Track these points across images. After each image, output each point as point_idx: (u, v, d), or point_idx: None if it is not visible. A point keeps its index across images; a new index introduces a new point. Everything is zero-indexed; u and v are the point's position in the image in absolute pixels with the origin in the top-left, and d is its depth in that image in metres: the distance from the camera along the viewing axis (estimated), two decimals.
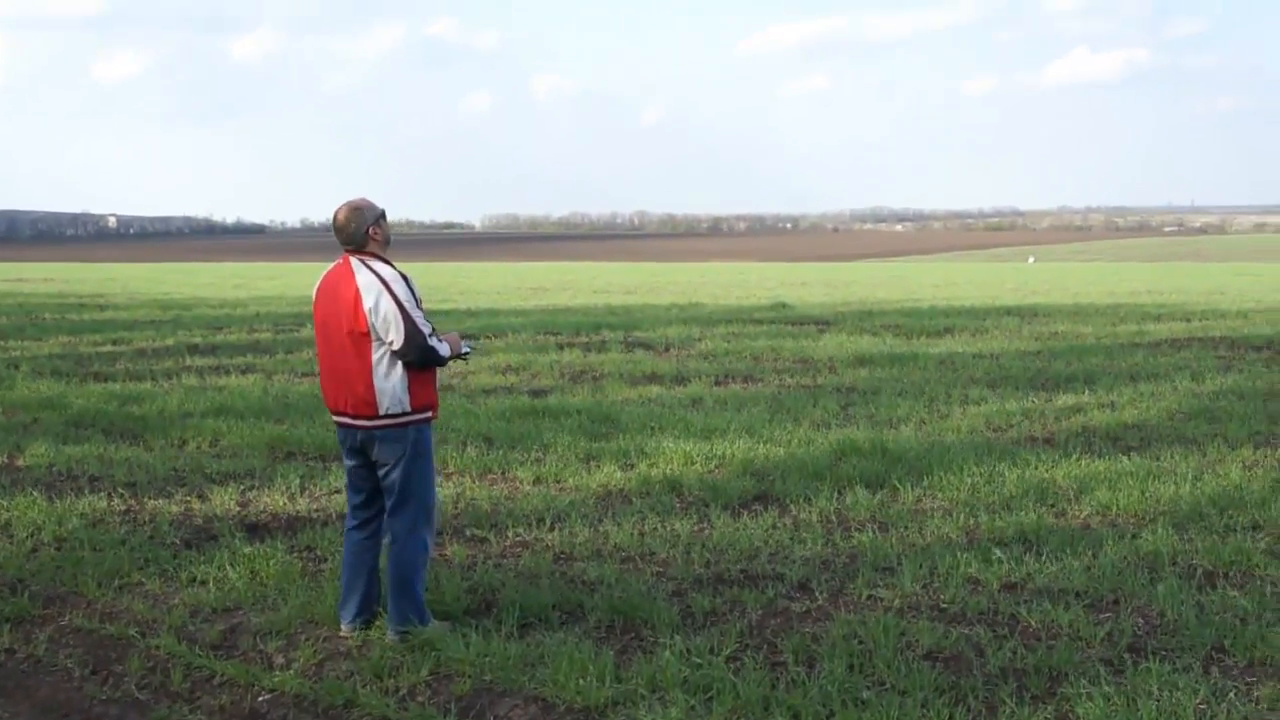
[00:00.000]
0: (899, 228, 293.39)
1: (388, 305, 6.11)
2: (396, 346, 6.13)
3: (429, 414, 6.39)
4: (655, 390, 15.31)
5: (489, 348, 20.71)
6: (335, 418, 6.45)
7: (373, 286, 6.15)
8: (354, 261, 6.27)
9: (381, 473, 6.40)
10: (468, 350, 6.61)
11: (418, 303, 6.23)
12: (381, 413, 6.23)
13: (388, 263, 6.32)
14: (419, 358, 6.19)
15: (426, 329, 6.19)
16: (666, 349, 20.74)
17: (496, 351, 20.07)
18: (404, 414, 6.26)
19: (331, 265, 6.43)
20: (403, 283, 6.21)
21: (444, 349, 6.29)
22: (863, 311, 29.90)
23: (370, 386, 6.20)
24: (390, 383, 6.21)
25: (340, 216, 6.30)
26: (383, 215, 6.38)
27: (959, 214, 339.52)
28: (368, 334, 6.15)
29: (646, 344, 21.58)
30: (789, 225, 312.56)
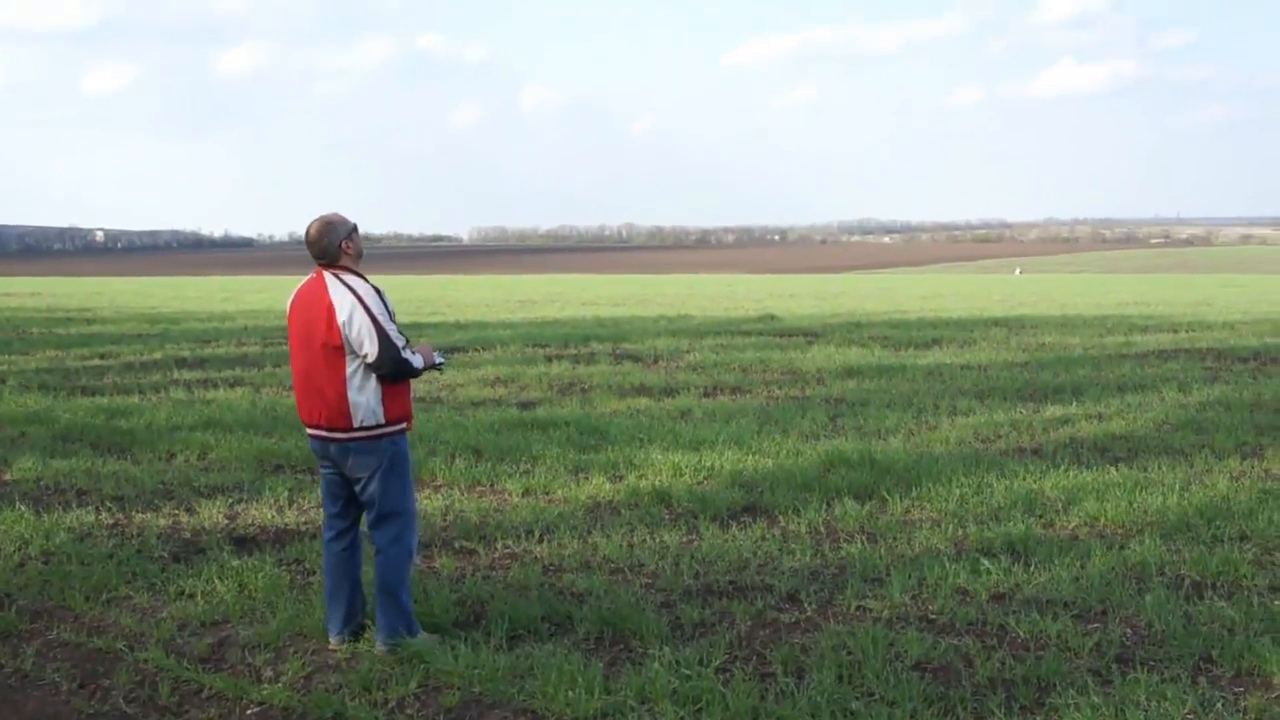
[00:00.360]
0: (887, 239, 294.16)
1: (361, 319, 6.14)
2: (371, 359, 6.16)
3: (403, 425, 6.42)
4: (644, 402, 15.31)
5: (477, 360, 20.69)
6: (310, 431, 6.47)
7: (346, 300, 6.17)
8: (327, 276, 6.30)
9: (358, 486, 6.42)
10: (441, 361, 6.64)
11: (390, 316, 6.26)
12: (356, 425, 6.25)
13: (361, 276, 6.35)
14: (393, 370, 6.22)
15: (400, 341, 6.23)
16: (655, 361, 20.73)
17: (485, 364, 20.04)
18: (378, 426, 6.29)
19: (305, 280, 6.46)
20: (376, 296, 6.24)
21: (417, 361, 6.33)
22: (850, 323, 29.94)
23: (344, 399, 6.23)
24: (364, 396, 6.24)
25: (312, 231, 6.33)
26: (354, 229, 6.41)
27: (946, 226, 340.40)
28: (341, 347, 6.18)
29: (635, 356, 21.58)
30: (777, 237, 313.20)
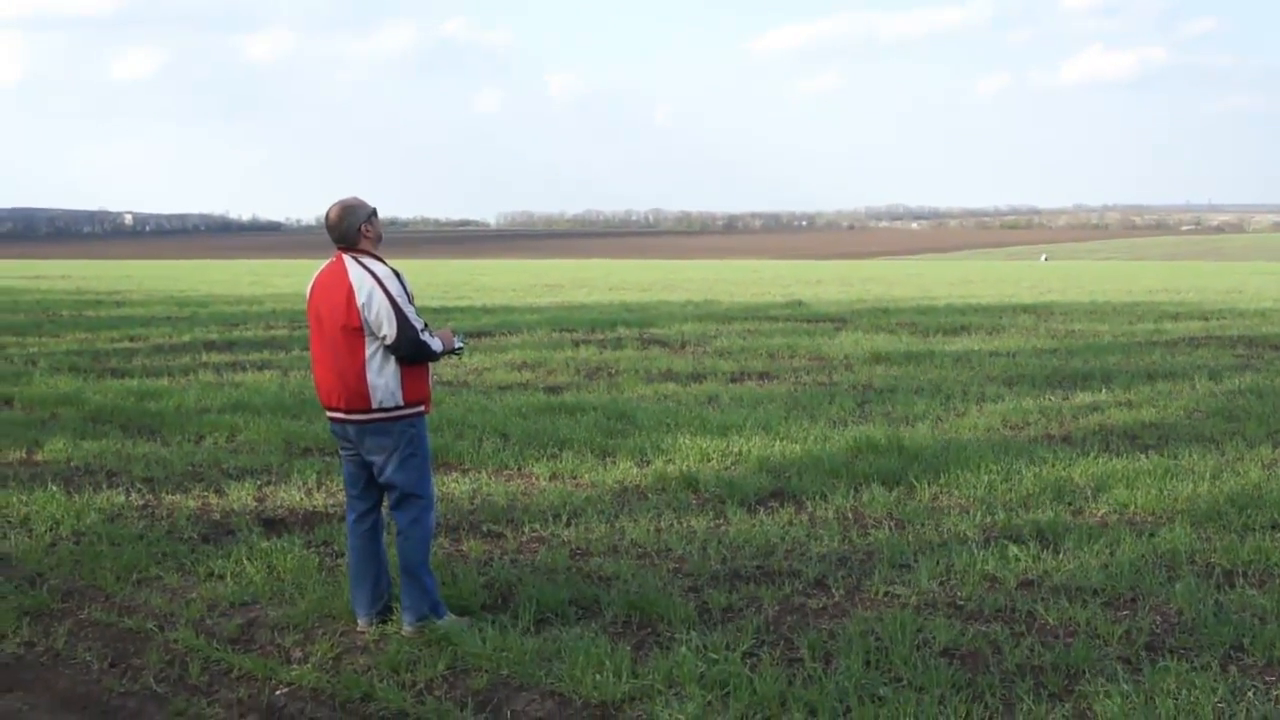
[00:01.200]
0: (915, 226, 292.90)
1: (380, 300, 6.19)
2: (389, 341, 6.21)
3: (421, 408, 6.46)
4: (671, 387, 15.31)
5: (504, 344, 20.72)
6: (329, 413, 6.52)
7: (365, 282, 6.22)
8: (347, 259, 6.36)
9: (375, 468, 6.45)
10: (460, 345, 6.67)
11: (409, 298, 6.31)
12: (374, 406, 6.30)
13: (380, 259, 6.41)
14: (411, 352, 6.26)
15: (418, 324, 6.27)
16: (682, 346, 20.73)
17: (512, 348, 20.08)
18: (397, 408, 6.33)
19: (325, 263, 6.51)
20: (395, 279, 6.30)
21: (436, 344, 6.37)
22: (878, 309, 29.85)
23: (363, 381, 6.27)
24: (383, 378, 6.28)
25: (332, 215, 6.40)
26: (374, 213, 6.47)
27: (975, 212, 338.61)
28: (361, 329, 6.23)
29: (662, 341, 21.58)
30: (804, 223, 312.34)
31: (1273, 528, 8.26)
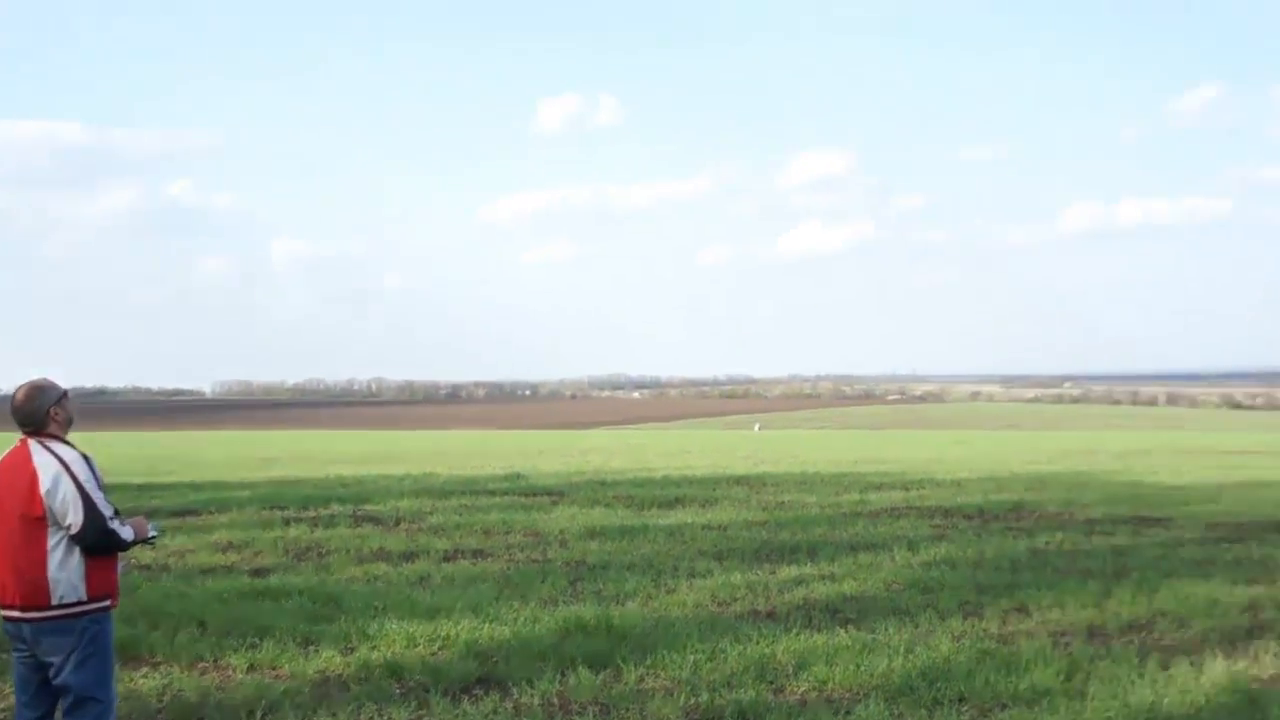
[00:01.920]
0: (636, 395, 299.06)
1: (67, 486, 5.91)
2: (75, 530, 5.91)
3: (107, 602, 6.15)
4: (382, 568, 14.98)
5: (211, 524, 19.95)
6: (2, 611, 6.11)
7: (50, 467, 5.94)
8: (33, 444, 6.08)
9: (51, 670, 6.07)
10: (154, 534, 6.41)
11: (99, 484, 6.03)
12: (54, 603, 5.96)
13: (69, 444, 6.13)
14: (98, 541, 5.97)
15: (108, 511, 6.00)
16: (397, 523, 20.36)
17: (219, 528, 19.33)
18: (79, 603, 6.00)
19: (9, 450, 6.19)
20: (84, 463, 6.03)
21: (126, 532, 6.10)
22: (596, 481, 30.07)
23: (43, 575, 5.94)
24: (65, 571, 5.96)
25: (19, 398, 6.12)
26: (64, 395, 6.22)
27: (695, 381, 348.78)
28: (43, 518, 5.92)
29: (376, 518, 21.16)
30: (528, 392, 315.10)
31: (960, 700, 8.57)
